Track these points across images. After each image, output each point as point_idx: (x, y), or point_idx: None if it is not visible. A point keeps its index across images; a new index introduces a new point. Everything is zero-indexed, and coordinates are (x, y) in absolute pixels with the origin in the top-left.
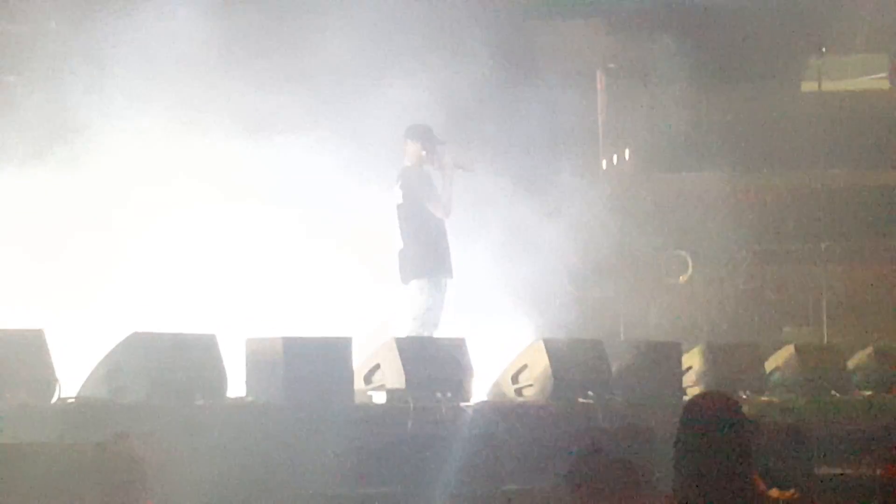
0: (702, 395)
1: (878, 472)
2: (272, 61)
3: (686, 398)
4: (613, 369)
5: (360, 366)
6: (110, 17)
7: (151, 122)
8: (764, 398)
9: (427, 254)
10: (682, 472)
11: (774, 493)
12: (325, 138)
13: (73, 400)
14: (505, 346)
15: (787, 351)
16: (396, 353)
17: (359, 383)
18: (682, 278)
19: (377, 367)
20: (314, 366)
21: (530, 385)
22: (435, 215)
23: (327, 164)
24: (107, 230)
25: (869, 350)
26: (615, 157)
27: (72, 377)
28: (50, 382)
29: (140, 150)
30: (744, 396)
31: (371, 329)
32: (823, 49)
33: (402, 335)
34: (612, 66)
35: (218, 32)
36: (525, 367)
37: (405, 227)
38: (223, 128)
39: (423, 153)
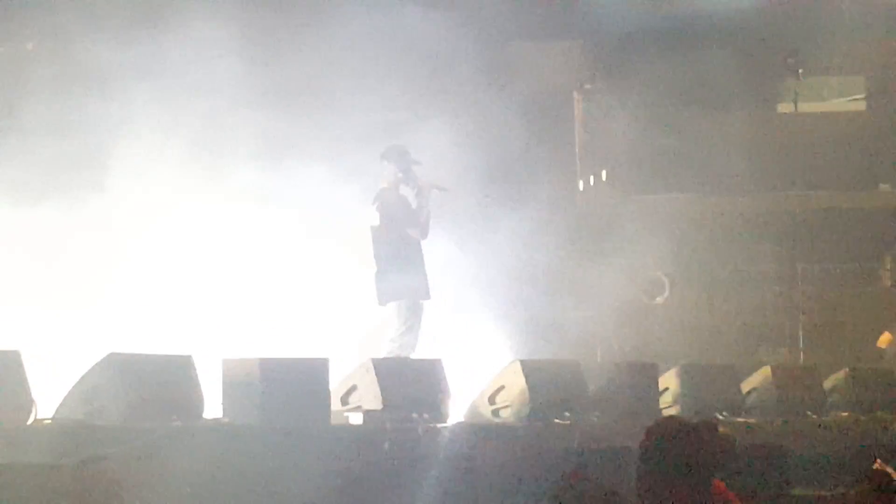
0: (657, 421)
1: (852, 491)
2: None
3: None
4: (590, 390)
5: (336, 387)
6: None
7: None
8: (740, 419)
9: (404, 276)
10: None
11: None
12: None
13: (49, 421)
14: (482, 366)
15: (764, 372)
16: (373, 374)
17: (336, 404)
18: (659, 300)
19: (354, 388)
20: (291, 387)
21: (507, 406)
22: (412, 237)
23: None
24: (83, 251)
25: (845, 371)
26: (592, 179)
27: (48, 398)
28: (26, 403)
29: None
30: (720, 417)
31: (350, 349)
32: (800, 71)
33: (380, 356)
34: (588, 87)
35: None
36: (502, 387)
37: (381, 249)
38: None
39: (400, 174)
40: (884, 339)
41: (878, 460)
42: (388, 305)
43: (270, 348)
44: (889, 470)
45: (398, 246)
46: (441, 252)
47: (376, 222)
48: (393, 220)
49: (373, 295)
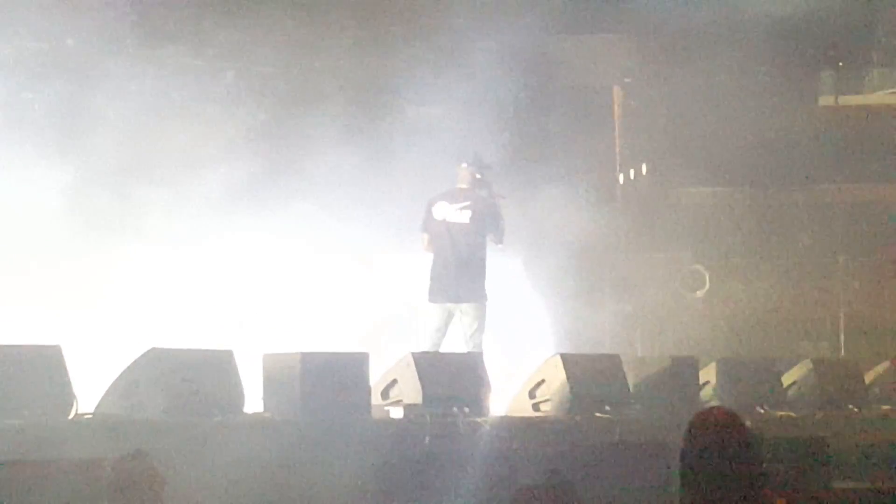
0: (705, 411)
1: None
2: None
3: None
4: (630, 384)
5: (377, 381)
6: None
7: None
8: (781, 413)
9: (484, 277)
10: (690, 486)
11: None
12: (350, 154)
13: (90, 416)
14: (522, 360)
15: (805, 366)
16: (413, 368)
17: (376, 398)
18: (699, 293)
19: (394, 382)
20: (331, 381)
21: (547, 400)
22: (488, 241)
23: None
24: (123, 246)
25: (886, 364)
26: (632, 172)
27: (89, 393)
28: (67, 398)
29: (159, 162)
30: (761, 411)
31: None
32: (840, 63)
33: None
34: (628, 80)
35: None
36: (542, 381)
37: (470, 247)
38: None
39: (478, 176)
40: None
41: None
42: (469, 304)
43: (311, 343)
44: None
45: (476, 247)
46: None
47: (466, 220)
48: (482, 222)
49: (453, 291)
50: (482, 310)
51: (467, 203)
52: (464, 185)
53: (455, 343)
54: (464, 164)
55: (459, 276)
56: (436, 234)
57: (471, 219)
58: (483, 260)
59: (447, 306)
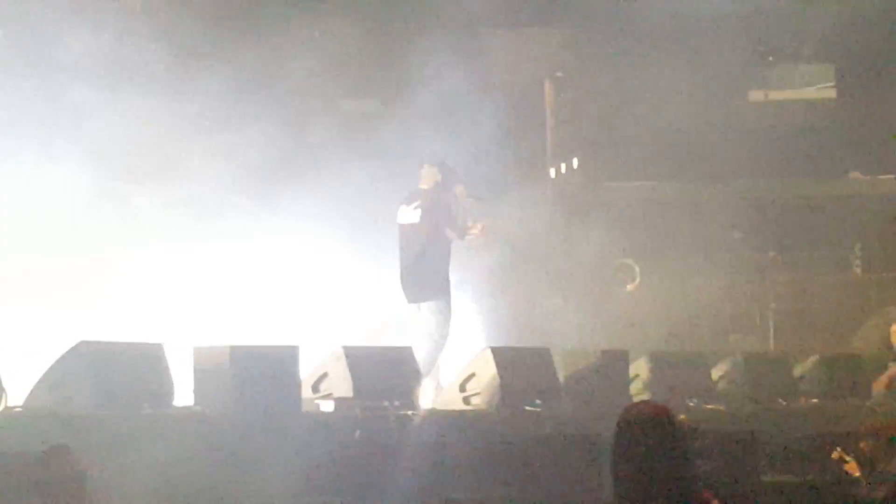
0: (635, 405)
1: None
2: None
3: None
4: (561, 378)
5: (307, 375)
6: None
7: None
8: (710, 406)
9: (441, 274)
10: (621, 480)
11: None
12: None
13: (19, 409)
14: (453, 354)
15: (734, 360)
16: (344, 361)
17: (307, 392)
18: (629, 287)
19: (325, 375)
20: (262, 374)
21: (478, 393)
22: (448, 238)
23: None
24: (54, 239)
25: (815, 358)
26: (563, 166)
27: (19, 386)
28: None
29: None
30: (690, 405)
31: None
32: (770, 58)
33: (420, 351)
34: (559, 75)
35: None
36: (473, 375)
37: (415, 247)
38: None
39: (439, 177)
40: None
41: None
42: (427, 304)
43: (242, 336)
44: (847, 459)
45: (435, 245)
46: None
47: (416, 220)
48: (434, 220)
49: (412, 290)
50: (441, 307)
51: (418, 202)
52: (424, 186)
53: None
54: (425, 166)
55: (414, 275)
56: (399, 235)
57: (420, 217)
58: (439, 257)
59: (410, 306)
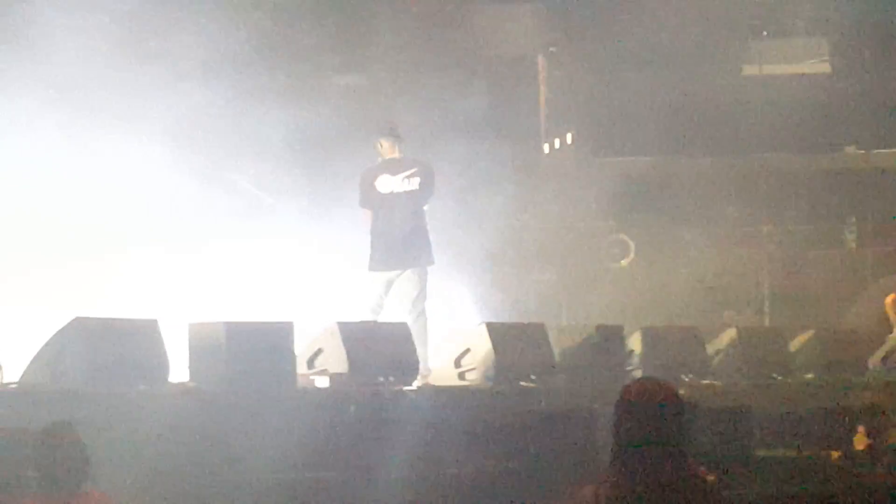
0: (638, 381)
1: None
2: None
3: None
4: (556, 353)
5: (302, 350)
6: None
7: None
8: (706, 381)
9: (428, 238)
10: (620, 454)
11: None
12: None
13: (15, 385)
14: (448, 329)
15: (729, 334)
16: (339, 337)
17: (302, 368)
18: (623, 262)
19: (320, 351)
20: (256, 350)
21: (473, 369)
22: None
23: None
24: (49, 215)
25: (810, 333)
26: (557, 142)
27: (14, 362)
28: None
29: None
30: (685, 380)
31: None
32: (764, 32)
33: (406, 319)
34: (553, 50)
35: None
36: (468, 350)
37: (416, 214)
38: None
39: (397, 150)
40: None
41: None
42: (422, 269)
43: (236, 312)
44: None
45: (423, 215)
46: None
47: (416, 187)
48: (430, 187)
49: (404, 257)
50: (425, 275)
51: (414, 170)
52: (397, 155)
53: (396, 311)
54: (388, 137)
55: (407, 243)
56: (380, 206)
57: (420, 185)
58: (426, 225)
59: (389, 275)
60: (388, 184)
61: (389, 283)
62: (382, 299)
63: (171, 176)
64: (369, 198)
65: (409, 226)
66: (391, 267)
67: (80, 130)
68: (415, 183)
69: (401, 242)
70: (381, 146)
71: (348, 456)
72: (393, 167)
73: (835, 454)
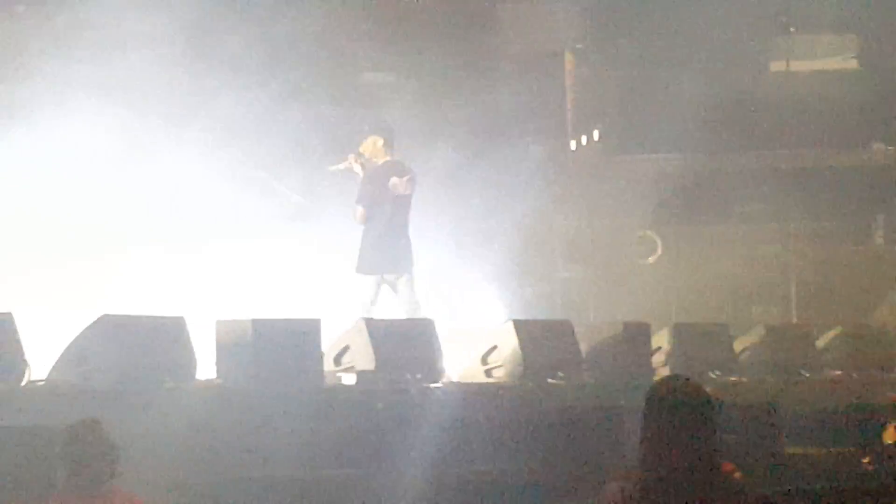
0: (667, 378)
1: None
2: None
3: (655, 378)
4: (583, 350)
5: (329, 347)
6: None
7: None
8: (733, 378)
9: (411, 245)
10: (648, 451)
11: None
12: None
13: (42, 383)
14: (475, 327)
15: (757, 331)
16: (366, 334)
17: (328, 365)
18: (650, 259)
19: (347, 348)
20: (283, 347)
21: (500, 366)
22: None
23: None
24: (75, 212)
25: (838, 330)
26: (584, 139)
27: (41, 360)
28: (19, 365)
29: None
30: (713, 377)
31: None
32: (792, 29)
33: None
34: (580, 47)
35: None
36: (495, 347)
37: (403, 218)
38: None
39: (382, 147)
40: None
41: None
42: (405, 274)
43: (264, 309)
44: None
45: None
46: (435, 213)
47: (410, 191)
48: (414, 190)
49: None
50: (413, 276)
51: (411, 175)
52: (390, 156)
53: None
54: (385, 136)
55: (401, 246)
56: (379, 205)
57: (413, 188)
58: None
59: (383, 277)
60: (397, 186)
61: (380, 286)
62: (375, 302)
63: (202, 175)
64: (375, 197)
65: (406, 229)
66: (384, 270)
67: (125, 132)
68: (412, 187)
69: (396, 245)
70: (375, 144)
71: (375, 453)
72: (399, 169)
73: (865, 460)
